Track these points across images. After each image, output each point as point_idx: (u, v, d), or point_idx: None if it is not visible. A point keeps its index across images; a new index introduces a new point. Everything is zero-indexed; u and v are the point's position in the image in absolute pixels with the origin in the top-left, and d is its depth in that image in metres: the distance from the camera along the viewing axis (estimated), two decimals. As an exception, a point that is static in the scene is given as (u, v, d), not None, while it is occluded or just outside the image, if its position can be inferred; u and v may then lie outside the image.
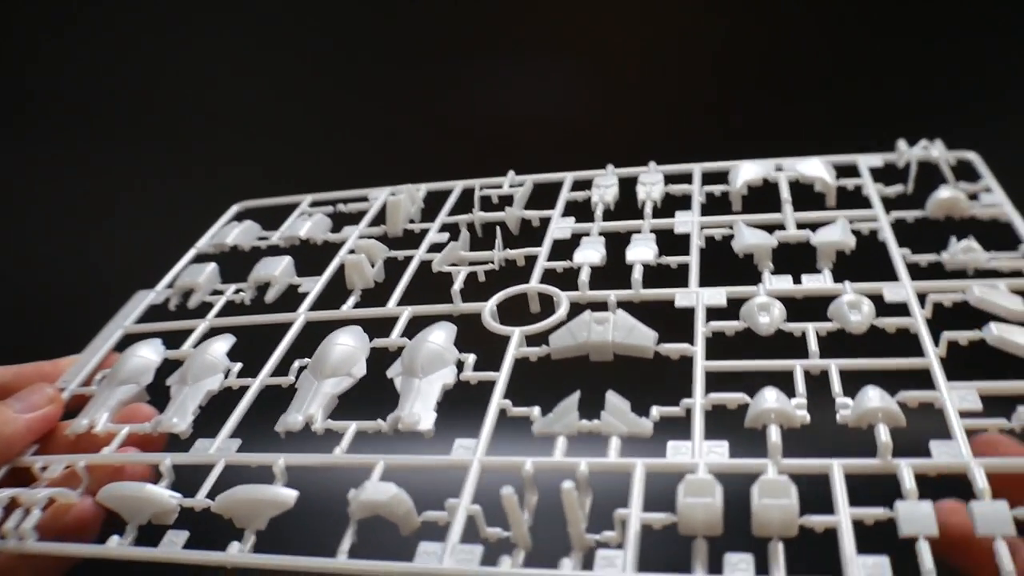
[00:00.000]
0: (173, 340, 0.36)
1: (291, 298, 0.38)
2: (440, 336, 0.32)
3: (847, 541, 0.23)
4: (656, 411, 0.28)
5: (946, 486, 0.25)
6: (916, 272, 0.32)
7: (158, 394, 0.34)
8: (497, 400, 0.29)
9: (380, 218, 0.42)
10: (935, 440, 0.25)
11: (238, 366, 0.33)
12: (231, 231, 0.42)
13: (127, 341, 0.37)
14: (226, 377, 0.33)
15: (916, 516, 0.23)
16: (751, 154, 0.40)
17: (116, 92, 0.60)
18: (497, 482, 0.26)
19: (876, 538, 0.23)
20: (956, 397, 0.27)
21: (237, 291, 0.39)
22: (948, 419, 0.26)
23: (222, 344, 0.35)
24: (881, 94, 0.54)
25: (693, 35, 0.57)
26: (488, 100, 0.59)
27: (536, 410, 0.28)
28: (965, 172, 0.37)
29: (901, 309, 0.30)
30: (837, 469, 0.25)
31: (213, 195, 0.46)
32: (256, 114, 0.60)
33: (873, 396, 0.26)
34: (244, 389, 0.32)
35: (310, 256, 0.40)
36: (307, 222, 0.42)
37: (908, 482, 0.24)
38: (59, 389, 0.34)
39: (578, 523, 0.24)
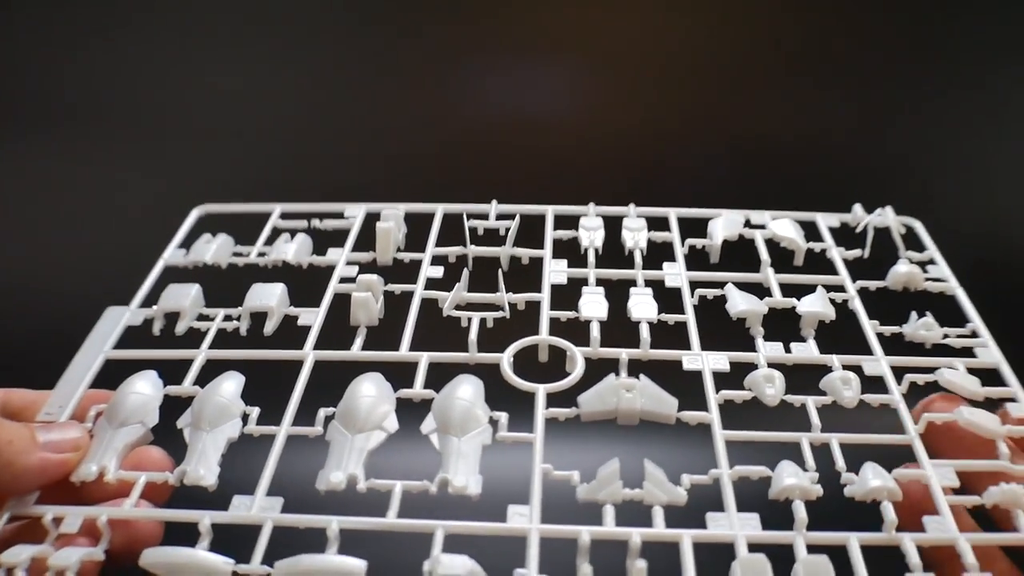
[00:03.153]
0: (168, 372, 0.35)
1: (288, 330, 0.37)
2: (469, 392, 0.33)
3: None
4: (687, 479, 0.31)
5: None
6: (884, 343, 0.36)
7: (159, 432, 0.33)
8: (539, 465, 0.30)
9: (363, 241, 0.41)
10: (927, 516, 0.30)
11: (256, 411, 0.33)
12: (206, 246, 0.41)
13: (109, 368, 0.36)
14: (244, 422, 0.33)
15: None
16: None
17: (61, 86, 0.55)
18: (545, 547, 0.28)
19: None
20: (939, 475, 0.31)
21: (227, 318, 0.37)
22: (935, 496, 0.30)
23: (232, 384, 0.34)
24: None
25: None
26: (463, 100, 0.59)
27: (576, 475, 0.30)
28: (909, 237, 0.42)
29: (879, 382, 0.35)
30: (854, 542, 0.29)
31: (171, 196, 0.43)
32: (214, 113, 0.57)
33: (873, 476, 0.30)
34: (267, 438, 0.32)
35: (296, 279, 0.39)
36: (291, 243, 0.41)
37: (913, 556, 0.28)
38: (88, 433, 0.32)
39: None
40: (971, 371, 0.35)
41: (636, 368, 0.35)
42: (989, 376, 0.35)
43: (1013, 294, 0.56)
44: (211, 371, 0.35)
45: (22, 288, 0.55)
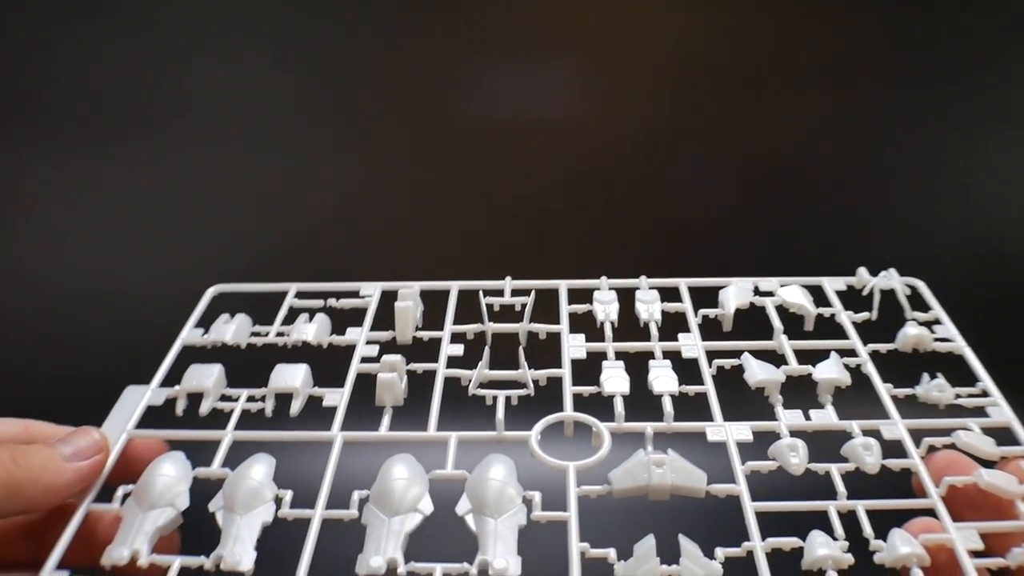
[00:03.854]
0: (193, 454, 0.35)
1: (312, 409, 0.37)
2: (501, 472, 0.33)
3: None
4: (721, 553, 0.31)
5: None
6: (899, 405, 0.37)
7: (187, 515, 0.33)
8: (575, 545, 0.31)
9: (380, 318, 0.42)
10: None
11: (289, 494, 0.33)
12: (225, 327, 0.41)
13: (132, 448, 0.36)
14: (278, 505, 0.33)
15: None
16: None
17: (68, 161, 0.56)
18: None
19: None
20: (962, 538, 0.32)
21: (251, 398, 0.38)
22: (960, 558, 0.31)
23: (263, 466, 0.34)
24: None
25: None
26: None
27: (612, 552, 0.31)
28: (912, 298, 0.43)
29: (897, 445, 0.35)
30: (889, 611, 0.29)
31: (177, 275, 0.44)
32: (222, 193, 0.57)
33: (902, 543, 0.31)
34: (301, 522, 0.32)
35: (316, 359, 0.40)
36: (311, 324, 0.41)
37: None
38: (104, 434, 0.34)
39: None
40: (985, 430, 0.36)
41: (661, 440, 0.35)
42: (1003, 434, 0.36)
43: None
44: (238, 452, 0.35)
45: (37, 364, 0.55)
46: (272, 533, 0.32)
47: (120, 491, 0.33)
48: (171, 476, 0.34)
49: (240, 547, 0.31)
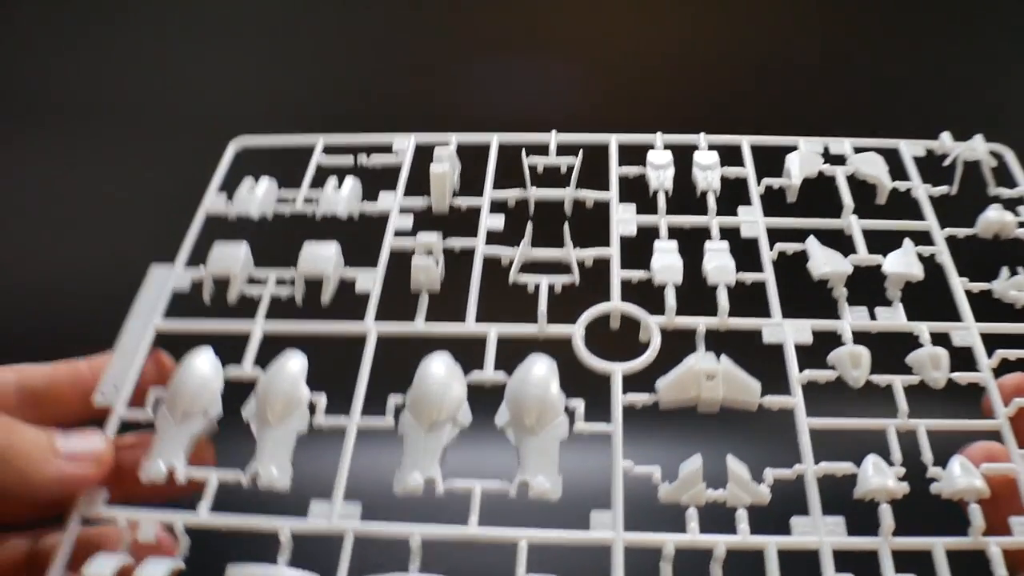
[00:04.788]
0: (221, 345, 0.33)
1: (343, 292, 0.35)
2: (543, 375, 0.31)
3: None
4: (770, 474, 0.30)
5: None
6: (973, 301, 0.34)
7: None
8: (619, 463, 0.30)
9: (414, 180, 0.39)
10: (1014, 517, 0.29)
11: (323, 400, 0.32)
12: (249, 195, 0.38)
13: (159, 339, 0.34)
14: (312, 412, 0.32)
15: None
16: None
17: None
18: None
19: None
20: (1029, 468, 0.30)
21: (280, 281, 0.35)
22: (1021, 489, 0.30)
23: (296, 366, 0.32)
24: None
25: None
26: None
27: (657, 471, 0.30)
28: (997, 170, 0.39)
29: (967, 354, 0.33)
30: (940, 548, 0.28)
31: (201, 127, 0.40)
32: (247, 45, 0.52)
33: (960, 473, 0.30)
34: (336, 431, 0.31)
35: (346, 230, 0.37)
36: (340, 192, 0.38)
37: (999, 566, 0.28)
38: (110, 444, 0.31)
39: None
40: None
41: (713, 339, 0.33)
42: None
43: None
44: (268, 345, 0.34)
45: (67, 241, 0.53)
46: (305, 442, 0.31)
47: (152, 395, 0.32)
48: (203, 377, 0.32)
49: (276, 463, 0.30)
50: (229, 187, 0.39)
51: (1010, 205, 0.38)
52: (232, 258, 0.36)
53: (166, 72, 0.56)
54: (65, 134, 0.57)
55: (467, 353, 0.33)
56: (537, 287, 0.35)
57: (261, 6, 0.58)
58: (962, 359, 0.33)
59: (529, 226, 0.36)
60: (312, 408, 0.32)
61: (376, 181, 0.39)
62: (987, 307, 0.35)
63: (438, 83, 0.57)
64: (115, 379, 0.33)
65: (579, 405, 0.31)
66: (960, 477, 0.29)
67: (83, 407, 0.32)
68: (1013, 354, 0.33)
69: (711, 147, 0.40)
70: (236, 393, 0.33)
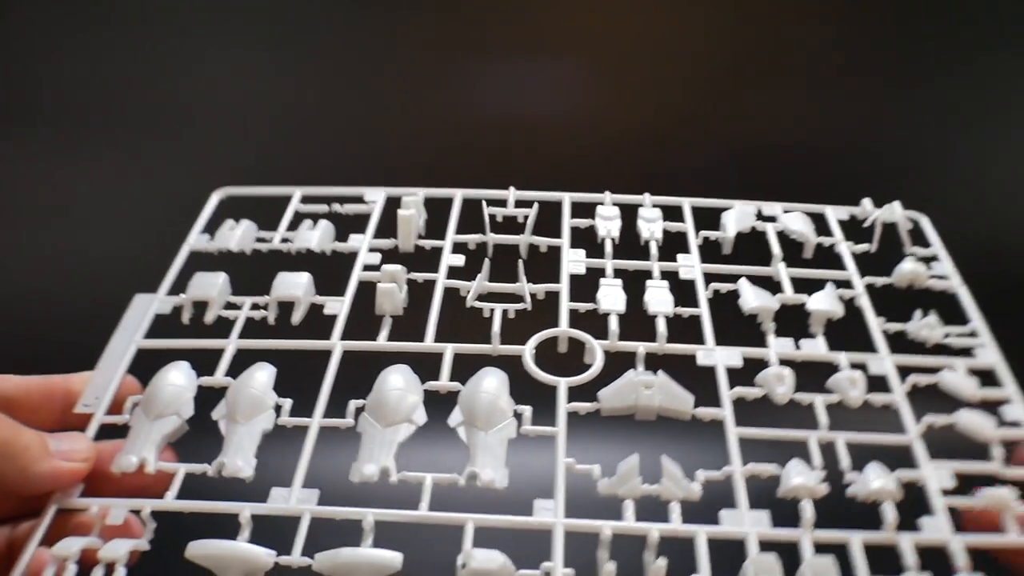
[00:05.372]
0: (199, 362, 0.36)
1: (314, 317, 0.38)
2: (494, 385, 0.34)
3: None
4: (702, 475, 0.32)
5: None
6: (889, 340, 0.38)
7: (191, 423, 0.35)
8: (562, 459, 0.32)
9: (383, 225, 0.42)
10: (924, 517, 0.32)
11: (288, 403, 0.34)
12: (230, 233, 0.41)
13: (140, 357, 0.37)
14: (277, 413, 0.34)
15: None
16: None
17: (74, 81, 0.55)
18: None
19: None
20: (936, 476, 0.33)
21: (255, 306, 0.38)
22: (930, 497, 0.32)
23: (264, 375, 0.35)
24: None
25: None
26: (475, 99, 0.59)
27: (597, 468, 0.32)
28: (914, 233, 0.43)
29: (882, 380, 0.36)
30: (857, 542, 0.31)
31: (190, 181, 0.44)
32: (231, 102, 0.57)
33: (875, 477, 0.32)
34: (300, 429, 0.33)
35: (319, 266, 0.40)
36: (314, 231, 0.41)
37: (909, 556, 0.30)
38: (92, 445, 0.33)
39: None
40: (971, 371, 0.37)
41: (652, 361, 0.36)
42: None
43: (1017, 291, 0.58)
44: (241, 360, 0.36)
45: (52, 275, 0.56)
46: (272, 440, 0.34)
47: (129, 402, 0.35)
48: (177, 385, 0.35)
49: (241, 455, 0.32)
50: (212, 232, 0.42)
51: (924, 261, 0.42)
52: (211, 284, 0.39)
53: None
54: (56, 153, 0.60)
55: (426, 367, 0.36)
56: (492, 311, 0.38)
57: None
58: (878, 388, 0.36)
59: (486, 263, 0.40)
60: (278, 410, 0.34)
61: (348, 227, 0.42)
62: (902, 347, 0.38)
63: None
64: (97, 391, 0.35)
65: (526, 410, 0.34)
66: (874, 480, 0.32)
67: (53, 419, 0.34)
68: (923, 379, 0.36)
69: (655, 206, 0.44)
70: (210, 406, 0.35)
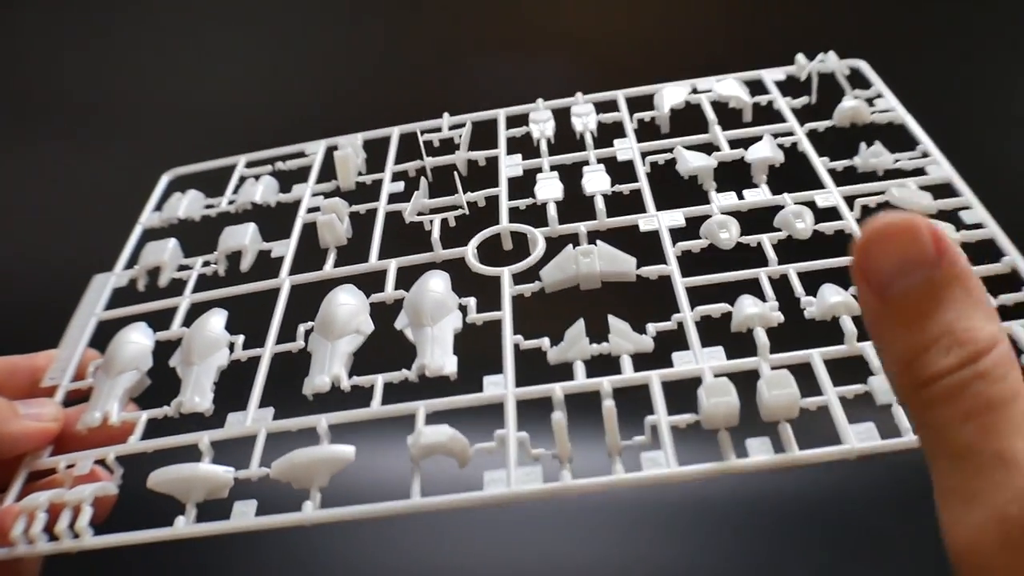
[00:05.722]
0: (156, 322, 0.37)
1: (263, 264, 0.39)
2: (437, 284, 0.34)
3: (839, 415, 0.28)
4: (652, 327, 0.32)
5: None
6: (837, 177, 0.37)
7: (154, 376, 0.35)
8: (509, 337, 0.32)
9: (325, 173, 0.43)
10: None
11: (241, 339, 0.34)
12: (178, 203, 0.42)
13: (103, 329, 0.37)
14: (231, 351, 0.34)
15: (886, 388, 0.28)
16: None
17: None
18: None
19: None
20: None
21: (206, 263, 0.39)
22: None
23: (218, 319, 0.35)
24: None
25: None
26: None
27: (545, 341, 0.32)
28: (855, 80, 0.42)
29: (833, 212, 0.35)
30: (817, 357, 0.30)
31: (137, 168, 0.45)
32: (171, 82, 0.58)
33: (832, 293, 0.31)
34: (254, 360, 0.34)
35: (266, 219, 0.41)
36: (256, 186, 0.42)
37: (875, 361, 0.29)
38: (60, 407, 0.34)
39: (615, 433, 0.28)
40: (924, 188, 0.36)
41: (595, 238, 0.36)
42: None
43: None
44: (197, 314, 0.37)
45: (13, 264, 0.58)
46: (230, 379, 0.34)
47: (91, 366, 0.35)
48: (135, 343, 0.35)
49: (199, 391, 0.33)
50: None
51: (868, 102, 0.41)
52: (161, 250, 0.40)
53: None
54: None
55: (373, 285, 0.36)
56: (432, 222, 0.38)
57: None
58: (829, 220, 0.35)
59: (423, 181, 0.40)
60: (232, 347, 0.34)
61: (292, 181, 0.43)
62: (852, 182, 0.37)
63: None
64: (62, 365, 0.36)
65: (471, 301, 0.34)
66: (832, 296, 0.31)
67: (20, 396, 0.34)
68: (873, 200, 0.35)
69: (587, 103, 0.44)
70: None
